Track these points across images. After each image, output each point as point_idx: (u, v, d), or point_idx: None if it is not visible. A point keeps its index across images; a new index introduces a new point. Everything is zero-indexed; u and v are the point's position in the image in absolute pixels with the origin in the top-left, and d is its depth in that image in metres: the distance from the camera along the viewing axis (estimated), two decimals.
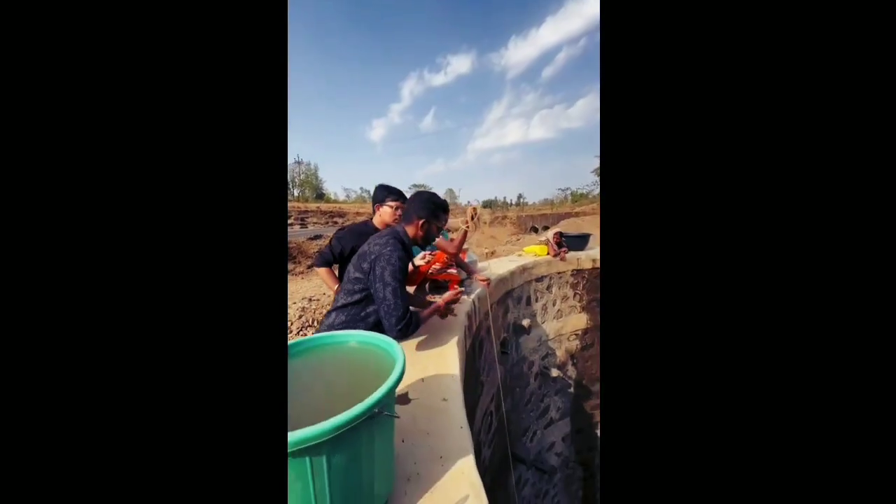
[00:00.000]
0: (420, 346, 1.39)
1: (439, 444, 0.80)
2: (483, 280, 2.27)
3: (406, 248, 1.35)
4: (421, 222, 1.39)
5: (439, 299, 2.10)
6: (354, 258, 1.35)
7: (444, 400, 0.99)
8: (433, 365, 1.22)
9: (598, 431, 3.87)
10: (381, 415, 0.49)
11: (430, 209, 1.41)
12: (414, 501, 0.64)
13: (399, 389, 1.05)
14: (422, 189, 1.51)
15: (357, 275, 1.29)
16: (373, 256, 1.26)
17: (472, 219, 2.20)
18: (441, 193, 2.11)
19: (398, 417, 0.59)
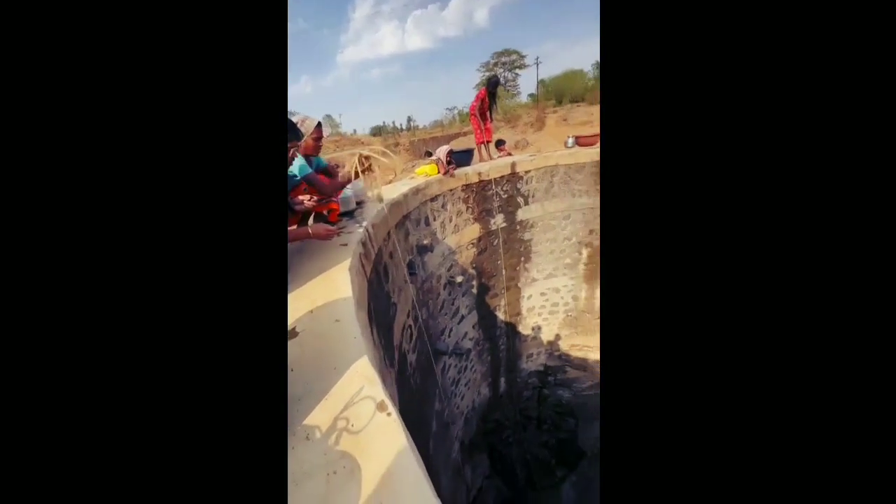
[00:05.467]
0: (308, 281, 1.27)
1: (333, 359, 0.80)
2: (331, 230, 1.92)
3: None
4: None
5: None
6: None
7: (337, 321, 0.96)
8: (322, 296, 1.14)
9: (499, 313, 4.91)
10: None
11: None
12: (308, 413, 0.64)
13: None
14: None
15: None
16: None
17: (364, 166, 1.91)
18: (318, 120, 1.80)
19: None
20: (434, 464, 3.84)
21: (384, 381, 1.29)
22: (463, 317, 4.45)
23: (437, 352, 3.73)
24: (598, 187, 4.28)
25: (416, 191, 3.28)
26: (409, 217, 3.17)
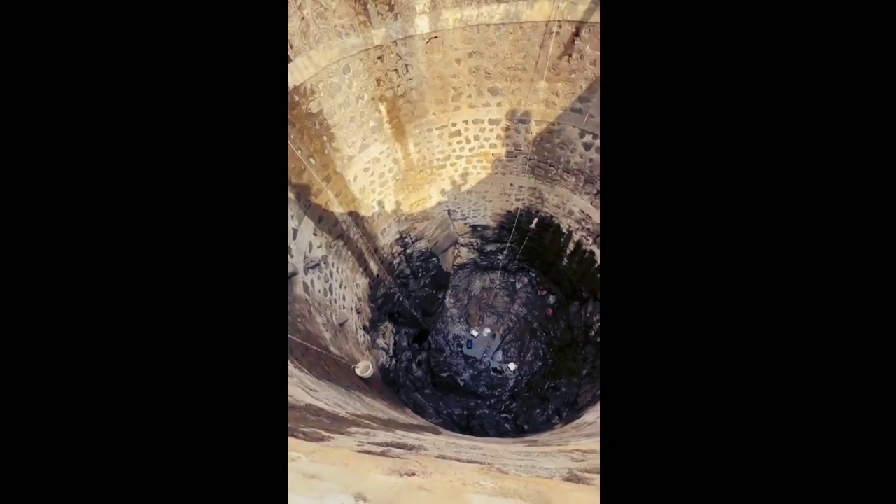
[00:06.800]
0: None
1: None
2: None
3: None
4: None
5: None
6: None
7: None
8: None
9: (334, 208, 4.54)
10: None
11: None
12: None
13: None
14: None
15: None
16: None
17: None
18: None
19: None
20: (348, 356, 4.21)
21: None
22: (295, 230, 3.88)
23: (291, 276, 3.32)
24: (361, 18, 3.60)
25: None
26: None
